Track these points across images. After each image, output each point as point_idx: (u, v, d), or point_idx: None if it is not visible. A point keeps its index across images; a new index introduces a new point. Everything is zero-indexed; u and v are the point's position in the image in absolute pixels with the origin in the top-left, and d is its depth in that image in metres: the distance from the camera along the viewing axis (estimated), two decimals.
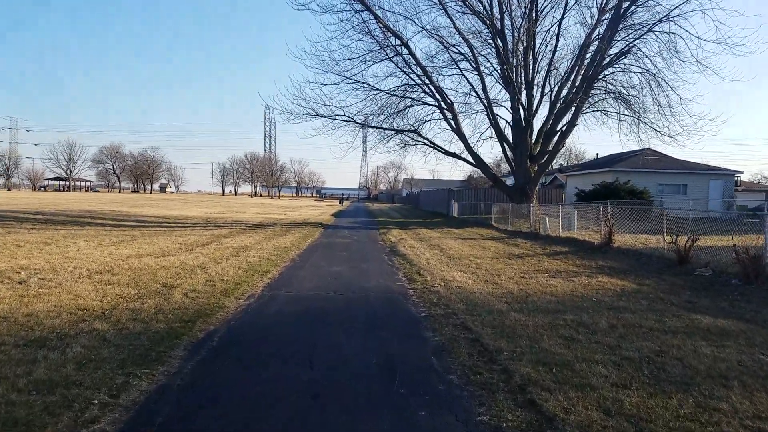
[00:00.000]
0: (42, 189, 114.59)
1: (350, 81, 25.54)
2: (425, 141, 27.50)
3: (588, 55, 24.42)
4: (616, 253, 12.91)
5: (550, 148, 25.07)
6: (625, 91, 23.16)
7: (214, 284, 8.37)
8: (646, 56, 22.13)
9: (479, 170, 76.80)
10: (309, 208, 51.48)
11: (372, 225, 27.18)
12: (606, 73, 23.66)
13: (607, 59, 23.21)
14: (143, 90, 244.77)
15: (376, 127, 27.27)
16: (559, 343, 5.14)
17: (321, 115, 26.34)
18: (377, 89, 25.49)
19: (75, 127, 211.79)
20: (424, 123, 27.72)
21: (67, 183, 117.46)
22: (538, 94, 25.74)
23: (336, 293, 8.04)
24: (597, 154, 58.26)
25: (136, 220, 25.36)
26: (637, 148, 27.16)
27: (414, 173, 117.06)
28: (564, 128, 24.48)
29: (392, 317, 6.48)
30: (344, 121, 26.66)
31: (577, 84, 24.47)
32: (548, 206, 20.53)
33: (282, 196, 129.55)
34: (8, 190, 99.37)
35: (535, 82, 25.38)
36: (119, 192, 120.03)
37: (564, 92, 24.81)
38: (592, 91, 23.67)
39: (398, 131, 27.52)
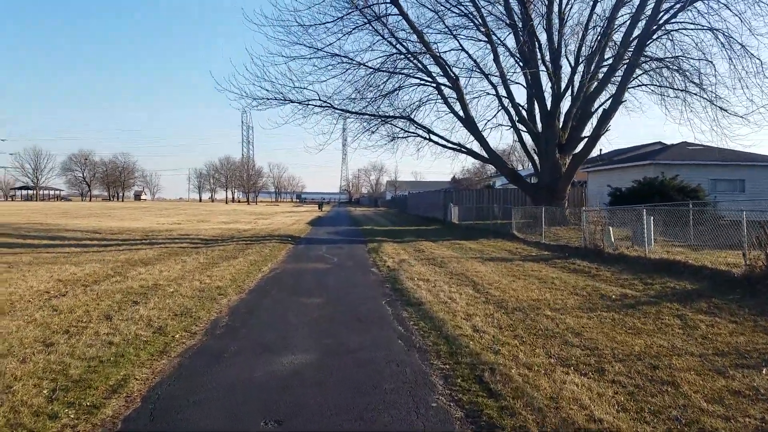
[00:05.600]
0: (11, 198, 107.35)
1: (324, 54, 19.73)
2: (420, 131, 21.74)
3: (622, 14, 18.99)
4: None
5: (588, 133, 19.53)
6: (694, 60, 17.61)
7: None
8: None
9: (480, 167, 71.42)
10: (284, 215, 45.40)
11: (356, 236, 21.33)
12: (662, 31, 18.09)
13: (663, 13, 17.69)
14: (117, 95, 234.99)
15: (360, 113, 21.45)
16: None
17: (291, 101, 20.57)
18: (358, 63, 19.68)
19: (53, 135, 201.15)
20: (418, 108, 22.03)
21: (34, 192, 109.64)
22: (567, 65, 20.25)
23: None
24: (600, 150, 53.06)
25: (52, 237, 19.15)
26: (702, 133, 21.89)
27: (398, 175, 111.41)
28: (608, 105, 18.92)
29: None
30: (320, 107, 20.87)
31: (614, 51, 19.01)
32: (612, 210, 14.94)
33: (261, 201, 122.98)
34: None
35: (564, 50, 19.86)
36: (90, 200, 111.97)
37: (592, 65, 19.29)
38: (642, 58, 18.19)
39: (387, 118, 21.74)
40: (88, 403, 3.72)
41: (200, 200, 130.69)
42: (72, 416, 3.56)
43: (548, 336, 5.82)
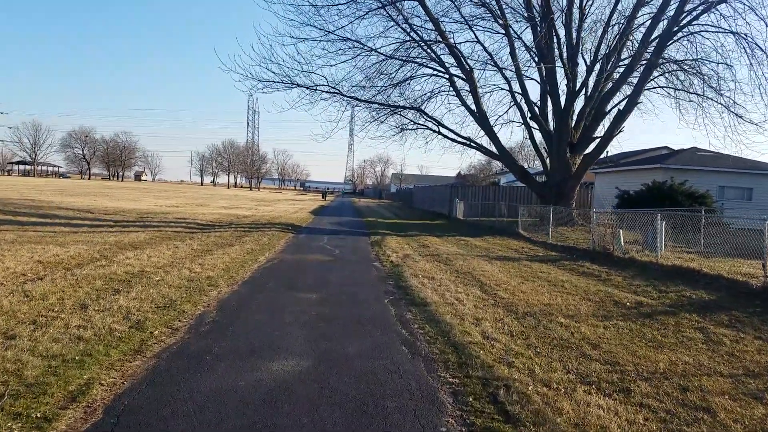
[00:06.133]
0: (7, 173, 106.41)
1: (336, 37, 19.08)
2: (429, 124, 21.16)
3: (642, 14, 18.33)
4: None
5: (601, 133, 18.97)
6: (713, 64, 16.99)
7: None
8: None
9: (485, 163, 70.68)
10: (287, 203, 44.89)
11: (360, 228, 20.84)
12: (683, 33, 17.48)
13: (685, 14, 17.09)
14: (121, 74, 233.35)
15: (369, 102, 20.85)
16: None
17: (299, 85, 19.93)
18: (370, 48, 19.01)
19: (54, 110, 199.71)
20: (429, 99, 21.45)
21: (32, 167, 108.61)
22: (583, 64, 19.61)
23: None
24: (607, 152, 52.29)
25: (42, 214, 18.63)
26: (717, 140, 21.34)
27: (404, 168, 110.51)
28: (623, 106, 18.34)
29: None
30: (328, 93, 20.25)
31: (631, 51, 18.43)
32: (621, 213, 14.39)
33: (263, 188, 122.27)
34: None
35: (581, 47, 19.20)
36: (89, 179, 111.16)
37: (609, 64, 18.65)
38: (661, 59, 17.57)
39: (396, 108, 21.16)
40: (38, 415, 3.21)
41: (202, 184, 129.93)
42: None
43: (564, 347, 5.32)
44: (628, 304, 7.57)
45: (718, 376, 4.64)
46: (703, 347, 5.54)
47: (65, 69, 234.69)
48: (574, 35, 18.87)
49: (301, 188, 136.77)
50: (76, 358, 4.24)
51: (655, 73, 18.57)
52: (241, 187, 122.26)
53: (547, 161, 20.39)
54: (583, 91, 19.69)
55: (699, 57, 17.37)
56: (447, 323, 5.98)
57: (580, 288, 8.74)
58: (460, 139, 21.27)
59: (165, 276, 7.97)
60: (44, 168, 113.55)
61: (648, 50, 17.69)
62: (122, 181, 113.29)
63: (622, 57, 19.14)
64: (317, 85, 19.81)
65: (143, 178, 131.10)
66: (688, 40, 17.59)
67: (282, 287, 7.89)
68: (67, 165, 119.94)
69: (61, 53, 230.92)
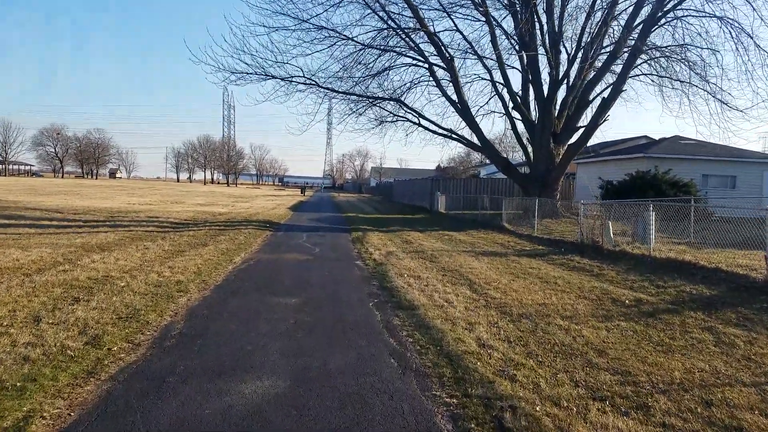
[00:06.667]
0: None
1: (310, 26, 18.39)
2: (410, 116, 20.67)
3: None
4: None
5: (585, 123, 18.72)
6: (698, 50, 16.86)
7: None
8: None
9: (465, 156, 70.46)
10: (265, 199, 43.91)
11: (340, 224, 20.26)
12: (668, 18, 17.29)
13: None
14: (93, 68, 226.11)
15: (347, 93, 20.21)
16: None
17: (273, 77, 19.20)
18: (346, 37, 18.36)
19: (25, 107, 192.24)
20: (409, 90, 20.94)
21: (3, 167, 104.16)
22: (565, 52, 19.31)
23: None
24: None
25: (7, 216, 17.60)
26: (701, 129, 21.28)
27: (383, 162, 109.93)
28: (607, 94, 18.11)
29: None
30: (304, 84, 19.57)
31: (613, 38, 18.21)
32: (608, 204, 14.14)
33: (241, 183, 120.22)
34: None
35: (563, 36, 18.89)
36: (62, 177, 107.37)
37: (591, 51, 18.38)
38: (645, 46, 17.37)
39: (375, 100, 20.59)
40: None
41: (178, 180, 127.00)
42: None
43: (567, 354, 4.90)
44: (627, 301, 7.22)
45: (740, 385, 4.25)
46: (716, 350, 5.18)
47: (35, 63, 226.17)
48: (557, 21, 18.51)
49: (280, 183, 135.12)
50: (18, 384, 3.63)
51: (639, 61, 18.38)
52: (218, 183, 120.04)
53: (530, 152, 20.10)
54: (566, 81, 19.42)
55: (683, 43, 17.22)
56: (438, 329, 5.51)
57: (574, 285, 8.37)
58: (441, 131, 20.83)
59: (131, 281, 7.31)
60: (16, 167, 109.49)
61: (632, 36, 17.47)
62: (96, 178, 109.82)
63: (605, 44, 18.91)
64: (293, 77, 19.11)
65: (118, 175, 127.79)
66: (672, 25, 17.45)
67: (257, 291, 7.31)
68: (39, 163, 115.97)
69: (31, 47, 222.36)
